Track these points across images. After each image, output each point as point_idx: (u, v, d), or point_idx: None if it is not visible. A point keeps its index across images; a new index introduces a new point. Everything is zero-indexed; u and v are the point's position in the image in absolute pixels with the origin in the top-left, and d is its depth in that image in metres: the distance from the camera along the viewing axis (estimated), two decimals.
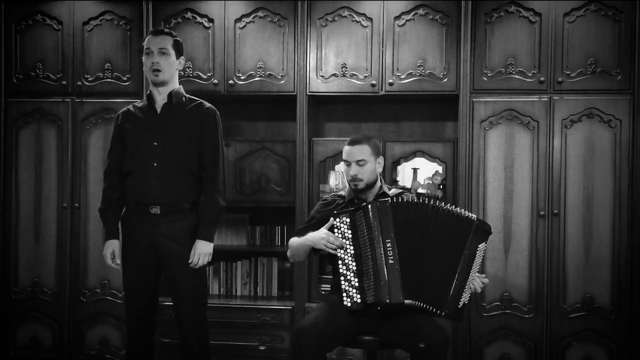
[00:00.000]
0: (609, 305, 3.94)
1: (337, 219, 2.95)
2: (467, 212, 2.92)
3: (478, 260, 2.89)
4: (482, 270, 3.92)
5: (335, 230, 2.95)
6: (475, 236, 2.87)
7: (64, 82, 4.31)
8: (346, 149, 3.14)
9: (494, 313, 4.01)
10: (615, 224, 3.92)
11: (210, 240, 3.27)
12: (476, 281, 2.92)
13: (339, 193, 3.28)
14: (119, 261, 3.31)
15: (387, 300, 2.81)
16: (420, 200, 2.91)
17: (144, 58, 3.30)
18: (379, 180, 3.17)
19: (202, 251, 3.24)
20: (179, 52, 3.33)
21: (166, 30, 3.36)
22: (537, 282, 3.97)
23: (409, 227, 2.87)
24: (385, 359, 4.02)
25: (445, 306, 2.83)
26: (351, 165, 3.10)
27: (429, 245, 2.87)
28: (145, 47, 3.29)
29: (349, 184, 3.15)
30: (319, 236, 2.99)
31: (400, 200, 2.92)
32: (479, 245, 2.88)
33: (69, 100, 4.32)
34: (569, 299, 3.96)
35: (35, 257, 4.34)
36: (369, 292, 2.84)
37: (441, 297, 2.84)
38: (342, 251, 2.92)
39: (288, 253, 3.23)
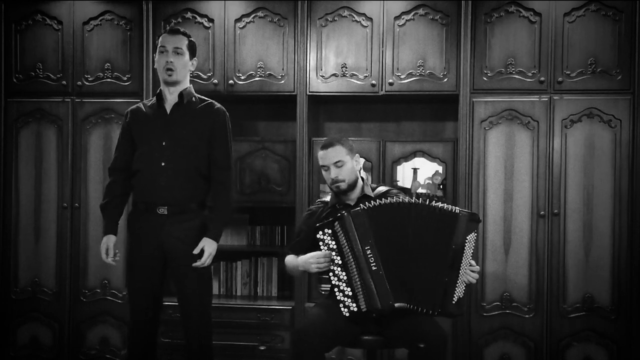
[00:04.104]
0: (609, 305, 3.94)
1: (320, 232, 2.91)
2: (450, 206, 2.85)
3: (468, 252, 2.84)
4: (481, 270, 3.94)
5: (320, 243, 2.92)
6: (461, 229, 2.81)
7: (64, 82, 4.31)
8: (320, 154, 3.10)
9: (494, 313, 4.01)
10: (615, 224, 3.92)
11: (218, 240, 3.28)
12: (469, 273, 2.87)
13: (324, 199, 3.25)
14: (112, 256, 3.29)
15: (379, 306, 2.79)
16: (399, 200, 2.87)
17: (157, 56, 3.29)
18: (359, 179, 3.15)
19: (212, 251, 3.24)
20: (192, 53, 3.34)
21: (182, 30, 3.35)
22: (537, 282, 3.97)
23: (387, 229, 2.84)
24: (385, 359, 4.02)
25: (438, 304, 2.78)
26: (330, 169, 3.07)
27: (412, 245, 2.82)
28: (160, 45, 3.28)
29: (331, 188, 3.12)
30: (307, 261, 2.97)
31: (376, 204, 2.86)
32: (467, 237, 2.82)
33: (69, 100, 4.31)
34: (569, 299, 3.96)
35: (35, 257, 4.33)
36: (361, 300, 2.82)
37: (433, 295, 2.79)
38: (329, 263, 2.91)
39: (287, 269, 3.23)
